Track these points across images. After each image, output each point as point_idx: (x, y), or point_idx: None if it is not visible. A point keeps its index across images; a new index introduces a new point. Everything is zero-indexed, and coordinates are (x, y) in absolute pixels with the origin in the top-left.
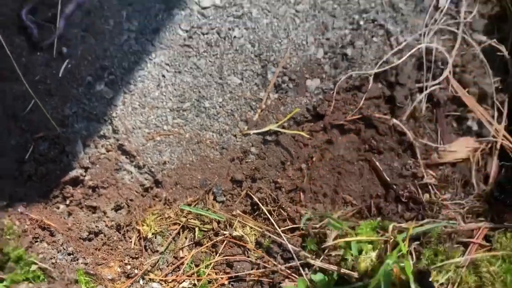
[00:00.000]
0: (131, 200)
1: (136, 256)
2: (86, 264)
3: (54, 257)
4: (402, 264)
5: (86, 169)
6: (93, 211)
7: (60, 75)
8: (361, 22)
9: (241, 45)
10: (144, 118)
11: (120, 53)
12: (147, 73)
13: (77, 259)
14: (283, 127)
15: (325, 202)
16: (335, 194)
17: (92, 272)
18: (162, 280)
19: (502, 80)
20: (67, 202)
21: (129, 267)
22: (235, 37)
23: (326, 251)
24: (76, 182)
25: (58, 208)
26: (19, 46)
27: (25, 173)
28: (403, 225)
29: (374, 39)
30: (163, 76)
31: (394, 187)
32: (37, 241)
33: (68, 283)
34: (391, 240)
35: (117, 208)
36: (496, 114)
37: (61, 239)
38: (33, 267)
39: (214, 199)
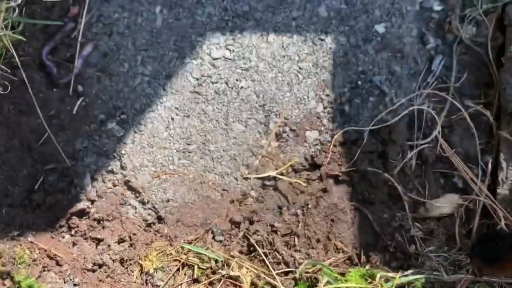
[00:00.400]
0: (134, 234)
1: None
2: None
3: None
4: None
5: (92, 201)
6: (97, 243)
7: (74, 111)
8: (359, 82)
9: (247, 95)
10: (152, 157)
11: (133, 95)
12: (157, 115)
13: None
14: (282, 174)
15: (318, 247)
16: (327, 240)
17: None
18: None
19: (487, 142)
20: (73, 232)
21: None
22: (241, 87)
23: None
24: (82, 213)
25: (63, 237)
26: (38, 82)
27: (34, 202)
28: (390, 274)
29: (370, 98)
30: (172, 119)
31: (383, 237)
32: (45, 271)
33: None
34: None
35: (121, 241)
36: (480, 173)
37: (67, 270)
38: None
39: (213, 238)
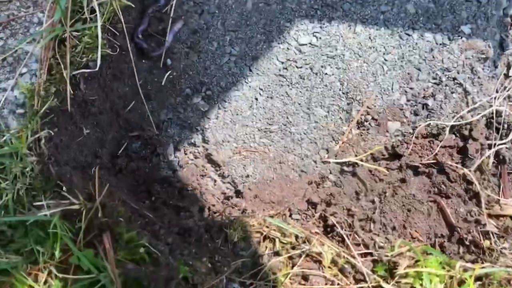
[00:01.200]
0: (213, 205)
1: (225, 256)
2: (182, 255)
3: (159, 245)
4: None
5: (174, 171)
6: (177, 211)
7: (162, 83)
8: (443, 79)
9: (331, 82)
10: (234, 134)
11: (219, 73)
12: (242, 94)
13: (175, 250)
14: (362, 161)
15: (394, 234)
16: (403, 229)
17: (190, 263)
18: (241, 281)
19: None
20: (153, 198)
21: (218, 264)
22: (326, 74)
23: (397, 278)
24: (163, 181)
25: (144, 202)
26: (131, 52)
27: (117, 166)
28: (468, 265)
29: (454, 95)
30: (256, 99)
31: (458, 229)
32: (140, 228)
33: (171, 269)
34: (457, 276)
35: (200, 211)
36: None
37: (161, 230)
38: (141, 250)
39: (290, 216)
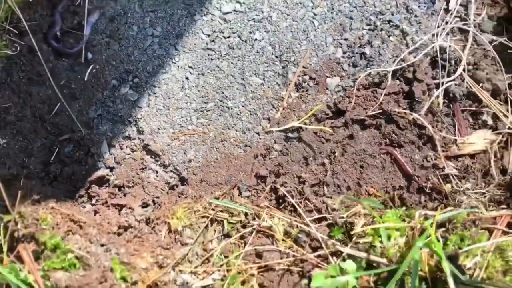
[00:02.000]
0: (157, 197)
1: (168, 247)
2: (118, 254)
3: (88, 247)
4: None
5: (111, 169)
6: (119, 209)
7: (85, 79)
8: (378, 23)
9: (262, 47)
10: (169, 119)
11: (144, 58)
12: (171, 76)
13: (110, 250)
14: (305, 124)
15: (349, 194)
16: (358, 187)
17: (126, 261)
18: (192, 272)
19: None
20: (93, 201)
21: (161, 257)
22: (256, 39)
23: (354, 238)
24: (102, 181)
25: (84, 207)
26: (46, 52)
27: (51, 174)
28: (429, 212)
29: (391, 38)
30: (187, 78)
31: (417, 178)
32: (69, 234)
33: (104, 270)
34: (417, 227)
35: (144, 206)
36: (510, 108)
37: (93, 232)
38: (70, 255)
39: (239, 194)
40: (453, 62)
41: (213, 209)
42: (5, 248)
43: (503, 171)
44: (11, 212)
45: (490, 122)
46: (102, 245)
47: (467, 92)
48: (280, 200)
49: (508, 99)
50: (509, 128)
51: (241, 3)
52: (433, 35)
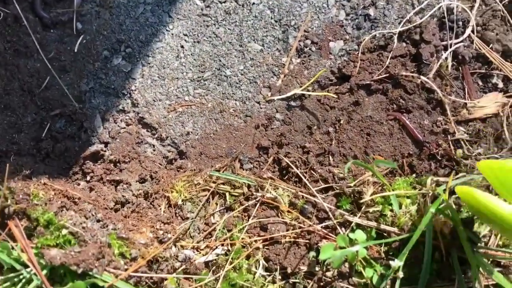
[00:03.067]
0: (155, 172)
1: (168, 221)
2: (116, 229)
3: (84, 223)
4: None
5: (106, 144)
6: (116, 185)
7: (75, 50)
8: None
9: (260, 11)
10: (165, 90)
11: (136, 26)
12: (165, 45)
13: (107, 226)
14: (308, 91)
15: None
16: (365, 156)
17: (124, 236)
18: (194, 247)
19: None
20: (88, 178)
21: (161, 232)
22: (253, 3)
23: (363, 208)
24: (96, 157)
25: (78, 184)
26: (33, 22)
27: (43, 151)
28: (441, 179)
29: None
30: (182, 46)
31: (426, 144)
32: (63, 210)
33: (101, 246)
34: (429, 194)
35: (142, 181)
36: None
37: (88, 207)
38: (64, 231)
39: (241, 167)
40: (461, 23)
41: (214, 182)
42: None
43: None
44: (0, 188)
45: (500, 84)
46: (98, 221)
47: (476, 54)
48: (284, 171)
49: None
50: None
51: None
52: None
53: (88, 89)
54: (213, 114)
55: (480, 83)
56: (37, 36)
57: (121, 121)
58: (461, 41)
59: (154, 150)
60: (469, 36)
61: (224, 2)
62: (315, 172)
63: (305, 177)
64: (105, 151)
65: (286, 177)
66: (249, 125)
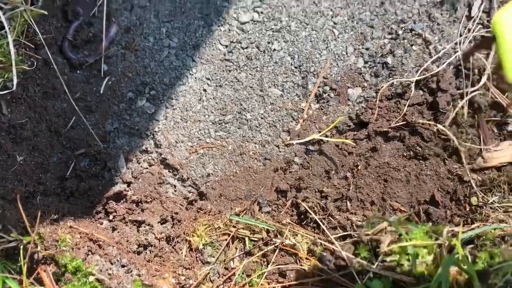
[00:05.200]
0: (175, 213)
1: (189, 267)
2: (140, 275)
3: (109, 269)
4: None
5: (129, 184)
6: (138, 226)
7: (101, 92)
8: (400, 32)
9: (281, 58)
10: (187, 132)
11: (161, 69)
12: (189, 88)
13: (131, 271)
14: (326, 136)
15: (373, 210)
16: (382, 202)
17: (148, 283)
18: None
19: None
20: (111, 217)
21: (183, 278)
22: (274, 50)
23: (381, 257)
24: (119, 197)
25: (101, 224)
26: (61, 64)
27: (67, 190)
28: (456, 229)
29: (413, 47)
30: (205, 90)
31: (442, 192)
32: (89, 254)
33: None
34: (445, 244)
35: (163, 222)
36: None
37: (113, 252)
38: (91, 278)
39: (260, 209)
40: (476, 71)
41: (234, 226)
42: (24, 270)
43: None
44: (30, 234)
45: None
46: (123, 266)
47: (492, 101)
48: (302, 216)
49: None
50: None
51: (259, 12)
52: (456, 43)
53: (113, 129)
54: (233, 157)
55: (496, 131)
56: (64, 78)
57: (144, 161)
58: (477, 89)
59: (175, 191)
60: (484, 84)
61: (246, 48)
62: (333, 218)
63: (323, 224)
64: (127, 191)
65: (304, 222)
66: (268, 168)
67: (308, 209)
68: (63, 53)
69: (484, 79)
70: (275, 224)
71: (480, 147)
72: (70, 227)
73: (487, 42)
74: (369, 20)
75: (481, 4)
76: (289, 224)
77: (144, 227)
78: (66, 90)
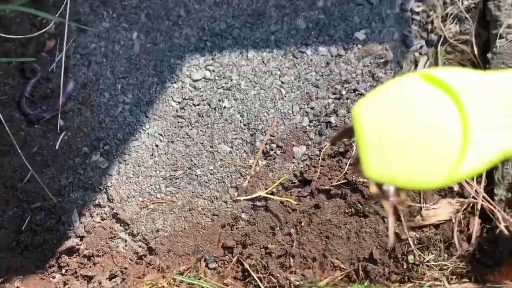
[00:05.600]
0: (125, 268)
1: None
2: None
3: None
4: None
5: (81, 238)
6: (88, 281)
7: (57, 147)
8: (343, 92)
9: (231, 115)
10: (138, 187)
11: (115, 125)
12: (141, 143)
13: None
14: (272, 193)
15: (315, 266)
16: (323, 258)
17: None
18: None
19: None
20: (63, 271)
21: None
22: (225, 107)
23: None
24: (71, 251)
25: (54, 278)
26: (18, 120)
27: (22, 244)
28: (392, 287)
29: None
30: (157, 145)
31: (381, 250)
32: None
33: None
34: None
35: (112, 277)
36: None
37: None
38: None
39: (206, 265)
40: None
41: (177, 286)
42: None
43: (468, 241)
44: None
45: (456, 188)
46: None
47: None
48: (246, 273)
49: None
50: (473, 197)
51: (211, 70)
52: None
53: (68, 184)
54: (183, 212)
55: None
56: (21, 134)
57: (96, 215)
58: None
59: (126, 246)
60: None
61: (198, 105)
62: (273, 277)
63: (263, 283)
64: (80, 245)
65: (247, 280)
66: (216, 224)
67: (249, 268)
68: (21, 109)
69: None
70: (218, 283)
71: (420, 205)
72: (17, 287)
73: (348, 131)
74: (314, 80)
75: (427, 61)
76: (231, 284)
77: (93, 283)
78: (21, 146)
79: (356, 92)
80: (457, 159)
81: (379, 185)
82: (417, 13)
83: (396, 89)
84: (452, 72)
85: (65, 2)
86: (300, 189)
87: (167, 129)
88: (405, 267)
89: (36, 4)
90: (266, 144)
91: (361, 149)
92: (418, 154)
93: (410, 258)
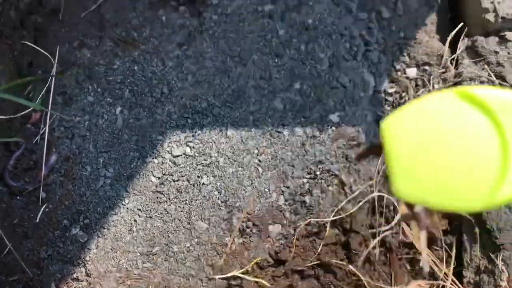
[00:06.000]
0: None
1: None
2: None
3: None
4: None
5: None
6: None
7: (37, 219)
8: (318, 172)
9: (209, 192)
10: (116, 262)
11: (95, 198)
12: (120, 218)
13: None
14: (247, 272)
15: None
16: None
17: None
18: None
19: (449, 222)
20: None
21: None
22: (203, 184)
23: None
24: None
25: None
26: (0, 192)
27: None
28: None
29: (330, 188)
30: (135, 221)
31: None
32: None
33: None
34: None
35: None
36: (444, 256)
37: None
38: None
39: None
40: (392, 207)
41: None
42: None
43: None
44: None
45: (427, 269)
46: None
47: (404, 240)
48: None
49: (443, 247)
50: (442, 279)
51: (191, 147)
52: (370, 186)
53: (47, 256)
54: None
55: (408, 267)
56: (2, 206)
57: None
58: (390, 229)
59: None
60: (398, 222)
61: (177, 180)
62: None
63: None
64: None
65: None
66: None
67: None
68: (3, 180)
69: (396, 218)
70: None
71: (389, 287)
72: None
73: (376, 148)
74: (290, 160)
75: None
76: None
77: None
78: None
79: (330, 172)
80: (496, 183)
81: (410, 206)
82: (390, 94)
83: (430, 107)
84: (489, 90)
85: (50, 78)
86: (274, 268)
87: (146, 204)
88: None
89: (23, 82)
90: (242, 222)
91: (391, 167)
92: (453, 176)
93: None
